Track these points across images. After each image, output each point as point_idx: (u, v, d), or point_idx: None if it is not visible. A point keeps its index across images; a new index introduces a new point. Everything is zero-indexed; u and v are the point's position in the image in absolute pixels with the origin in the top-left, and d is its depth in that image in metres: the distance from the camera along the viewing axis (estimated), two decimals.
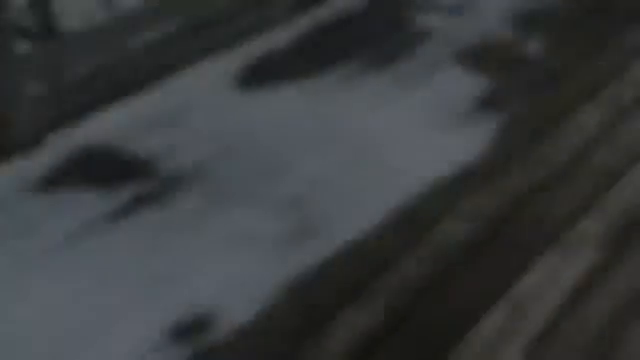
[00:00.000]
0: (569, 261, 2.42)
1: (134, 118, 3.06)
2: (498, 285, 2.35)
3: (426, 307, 2.29)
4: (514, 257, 2.45)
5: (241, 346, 2.19)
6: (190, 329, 2.24)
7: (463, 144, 2.92)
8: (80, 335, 2.20)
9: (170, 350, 2.17)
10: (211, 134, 2.98)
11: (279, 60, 3.37)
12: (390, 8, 3.69)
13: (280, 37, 3.50)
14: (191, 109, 3.10)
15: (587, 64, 3.32)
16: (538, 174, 2.78)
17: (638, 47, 3.41)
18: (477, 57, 3.35)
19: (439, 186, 2.73)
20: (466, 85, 3.20)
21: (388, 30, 3.54)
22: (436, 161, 2.83)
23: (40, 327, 2.25)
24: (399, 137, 2.96)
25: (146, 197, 2.72)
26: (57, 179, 2.79)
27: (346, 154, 2.88)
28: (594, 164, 2.82)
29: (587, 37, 3.50)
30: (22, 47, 2.93)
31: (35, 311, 2.30)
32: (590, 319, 2.23)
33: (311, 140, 2.94)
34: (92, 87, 3.17)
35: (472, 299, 2.30)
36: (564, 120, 3.02)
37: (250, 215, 2.62)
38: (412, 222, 2.59)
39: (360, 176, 2.79)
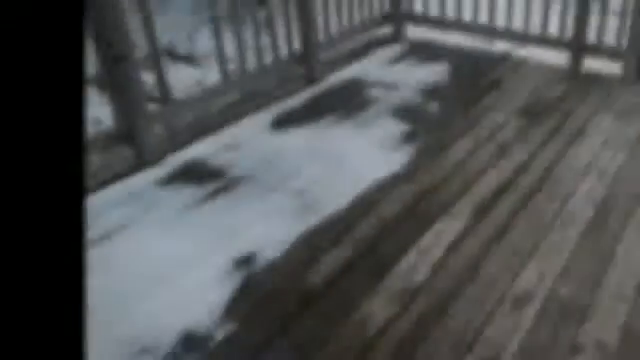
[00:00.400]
0: (451, 226, 2.46)
1: (214, 146, 3.12)
2: (411, 240, 2.41)
3: (373, 251, 2.38)
4: (420, 224, 2.51)
5: (272, 271, 2.25)
6: (243, 261, 2.29)
7: (395, 160, 2.95)
8: (183, 263, 2.27)
9: (233, 273, 2.23)
10: (256, 155, 3.05)
11: (294, 114, 3.43)
12: (354, 86, 3.75)
13: (295, 101, 3.56)
14: (245, 141, 3.18)
15: (462, 116, 3.42)
16: (436, 177, 2.83)
17: (488, 107, 3.48)
18: (402, 113, 3.43)
19: (382, 183, 2.78)
20: (397, 127, 3.26)
21: (353, 97, 3.64)
22: (380, 169, 2.86)
23: (162, 256, 2.31)
24: (360, 155, 3.00)
25: (220, 189, 2.77)
26: (172, 179, 2.87)
27: (331, 165, 2.91)
28: (466, 171, 2.88)
29: (462, 101, 3.58)
30: (151, 108, 3.02)
31: (159, 248, 2.37)
32: (462, 257, 2.32)
33: (311, 157, 2.98)
34: (191, 130, 3.27)
35: (398, 247, 2.39)
36: (450, 147, 3.10)
37: (277, 198, 2.67)
38: (366, 203, 2.64)
39: (338, 177, 2.81)
